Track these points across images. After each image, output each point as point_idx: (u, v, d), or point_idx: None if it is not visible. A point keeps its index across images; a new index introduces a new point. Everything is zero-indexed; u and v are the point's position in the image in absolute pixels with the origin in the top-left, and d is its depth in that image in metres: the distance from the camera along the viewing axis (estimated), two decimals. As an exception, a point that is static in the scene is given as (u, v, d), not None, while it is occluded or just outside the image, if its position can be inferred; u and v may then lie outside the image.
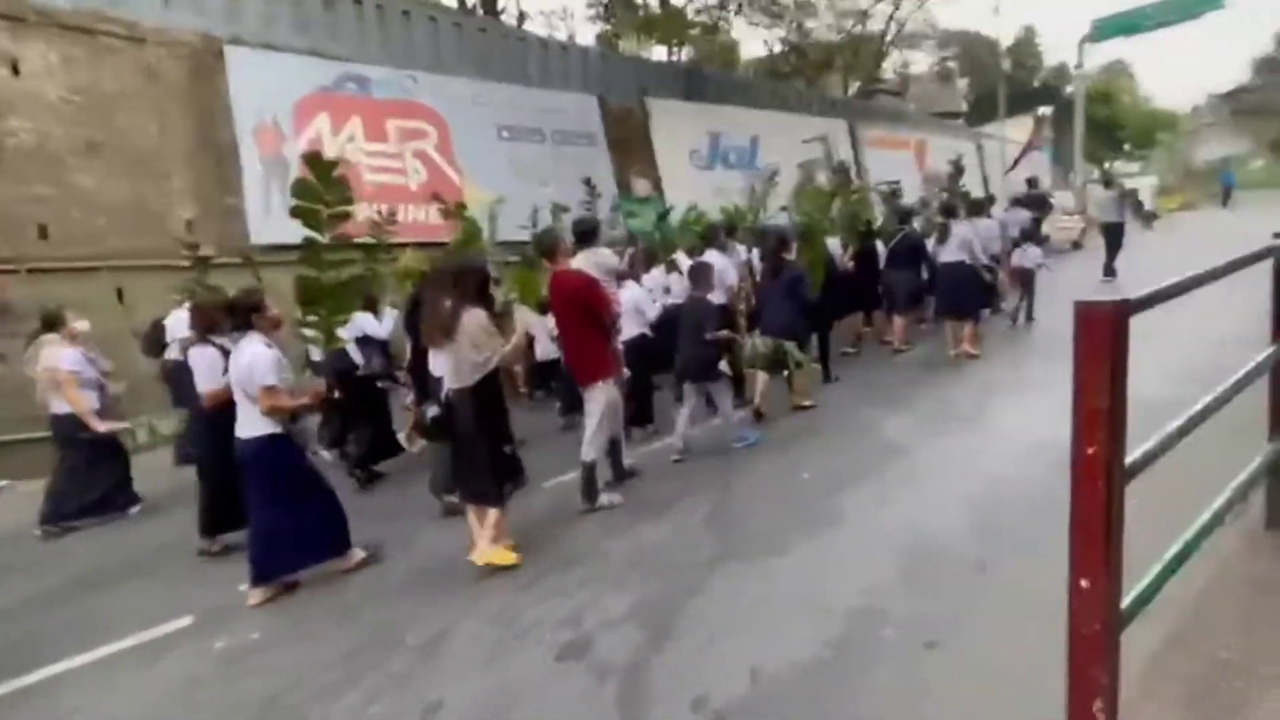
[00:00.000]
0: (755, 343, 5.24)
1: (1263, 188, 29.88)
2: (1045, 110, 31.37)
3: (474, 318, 3.31)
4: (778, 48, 23.10)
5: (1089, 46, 22.16)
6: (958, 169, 14.30)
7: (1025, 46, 31.90)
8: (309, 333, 4.20)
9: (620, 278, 5.08)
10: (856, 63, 23.61)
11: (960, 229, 6.81)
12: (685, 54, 21.90)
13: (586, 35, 20.68)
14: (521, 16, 22.43)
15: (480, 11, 17.25)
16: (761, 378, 5.55)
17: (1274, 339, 2.27)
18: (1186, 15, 21.55)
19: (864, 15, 22.32)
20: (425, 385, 3.94)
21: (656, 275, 6.72)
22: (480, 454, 3.39)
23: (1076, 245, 16.76)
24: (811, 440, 5.13)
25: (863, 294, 7.91)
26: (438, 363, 3.63)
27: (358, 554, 3.75)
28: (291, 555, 3.54)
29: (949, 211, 7.25)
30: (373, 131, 10.19)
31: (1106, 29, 22.72)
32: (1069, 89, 25.19)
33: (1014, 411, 5.21)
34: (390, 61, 10.53)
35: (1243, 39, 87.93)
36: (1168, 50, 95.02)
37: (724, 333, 4.91)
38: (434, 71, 10.85)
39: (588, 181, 10.05)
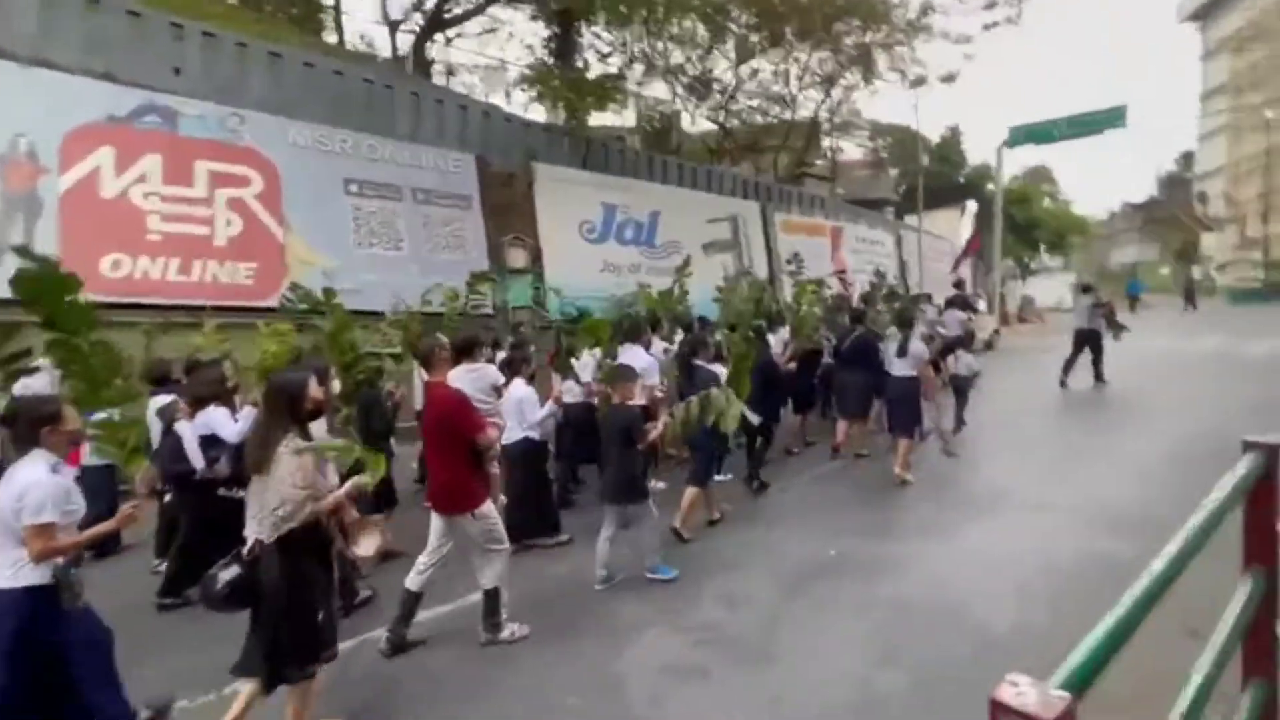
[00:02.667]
0: (685, 407, 4.28)
1: (1169, 291, 31.20)
2: (972, 203, 32.42)
3: (289, 450, 2.67)
4: (706, 125, 22.88)
5: (1010, 151, 22.89)
6: (879, 275, 13.87)
7: (951, 145, 33.21)
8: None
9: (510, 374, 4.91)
10: (786, 146, 23.58)
11: (916, 344, 6.48)
12: (626, 122, 21.43)
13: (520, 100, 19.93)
14: (450, 71, 21.64)
15: (410, 63, 16.21)
16: (688, 495, 5.03)
17: (1245, 567, 1.83)
18: (1092, 130, 22.54)
19: (789, 101, 22.38)
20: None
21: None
22: (283, 628, 2.69)
23: (989, 345, 16.35)
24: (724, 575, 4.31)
25: (804, 396, 7.70)
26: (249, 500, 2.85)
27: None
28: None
29: (906, 323, 6.78)
30: (175, 173, 8.59)
31: (1020, 136, 23.59)
32: (990, 187, 25.82)
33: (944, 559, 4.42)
34: (214, 96, 9.08)
35: (1156, 155, 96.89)
36: (1088, 159, 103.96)
37: (653, 433, 4.37)
38: (271, 112, 9.44)
39: (481, 277, 7.45)
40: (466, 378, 4.05)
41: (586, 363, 5.86)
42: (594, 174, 13.14)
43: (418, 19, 17.67)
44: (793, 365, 7.22)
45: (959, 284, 21.70)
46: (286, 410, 2.76)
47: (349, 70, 10.47)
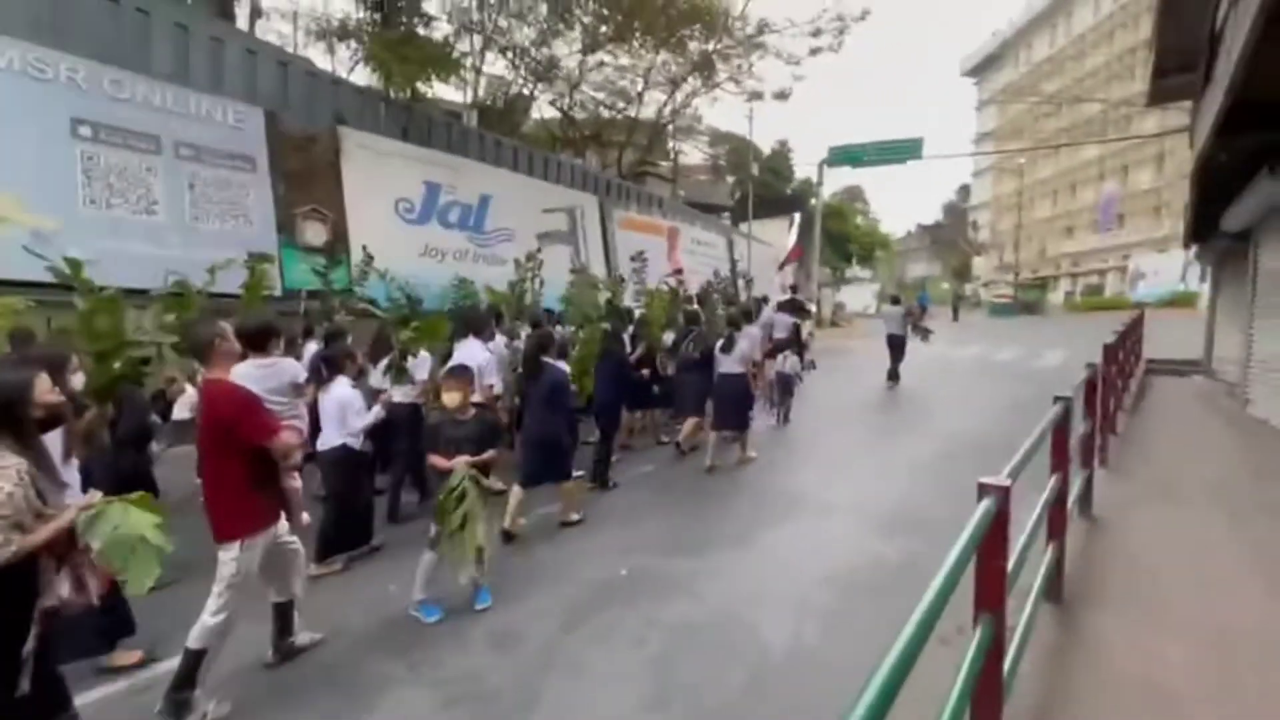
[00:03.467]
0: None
1: (947, 303, 36.51)
2: (798, 215, 35.21)
3: None
4: (548, 112, 22.20)
5: (834, 173, 25.17)
6: (717, 276, 14.35)
7: (781, 158, 35.91)
8: None
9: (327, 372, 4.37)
10: (630, 142, 23.66)
11: (744, 343, 6.76)
12: (469, 98, 19.88)
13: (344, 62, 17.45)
14: (255, 14, 18.52)
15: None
16: (514, 496, 4.82)
17: (975, 614, 1.85)
18: (896, 158, 25.47)
19: (636, 97, 22.48)
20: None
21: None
22: None
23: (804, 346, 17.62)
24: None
25: (645, 393, 7.67)
26: None
27: None
28: None
29: (735, 322, 7.11)
30: None
31: (839, 156, 26.01)
32: (813, 201, 28.14)
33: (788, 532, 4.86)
34: None
35: (943, 184, 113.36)
36: (894, 182, 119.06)
37: (489, 454, 3.77)
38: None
39: (261, 257, 6.38)
40: (256, 374, 3.52)
41: (424, 360, 5.40)
42: (417, 147, 11.90)
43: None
44: (645, 371, 7.44)
45: (794, 288, 23.33)
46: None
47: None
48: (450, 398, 3.73)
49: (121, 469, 3.76)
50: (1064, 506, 3.23)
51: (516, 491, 4.82)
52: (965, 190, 66.90)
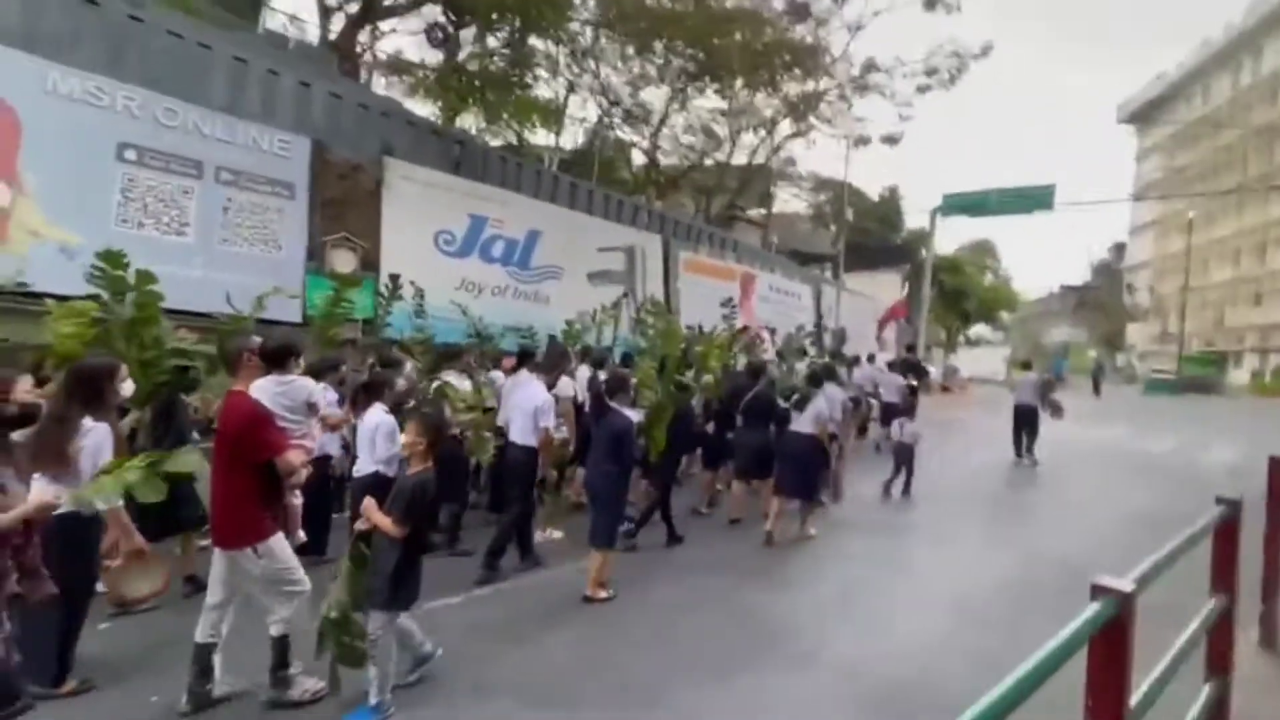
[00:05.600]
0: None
1: (1084, 374, 31.22)
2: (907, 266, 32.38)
3: None
4: (639, 158, 21.93)
5: (957, 224, 22.98)
6: (800, 330, 13.38)
7: (889, 205, 33.32)
8: None
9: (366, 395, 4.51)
10: (718, 186, 22.80)
11: (819, 403, 6.19)
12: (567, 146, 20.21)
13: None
14: (362, 62, 19.97)
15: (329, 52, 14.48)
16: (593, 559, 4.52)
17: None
18: (1022, 208, 22.59)
19: (730, 138, 21.66)
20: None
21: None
22: None
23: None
24: None
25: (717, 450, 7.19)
26: None
27: None
28: None
29: (815, 379, 6.57)
30: None
31: (953, 204, 23.47)
32: (923, 253, 25.58)
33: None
34: (-56, 18, 7.30)
35: (1092, 243, 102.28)
36: (1032, 238, 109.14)
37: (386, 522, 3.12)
38: (21, 47, 7.69)
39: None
40: (273, 390, 3.64)
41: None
42: (464, 180, 11.67)
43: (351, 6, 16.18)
44: (710, 426, 6.99)
45: (910, 347, 20.91)
46: None
47: (156, 21, 8.76)
48: (403, 437, 3.30)
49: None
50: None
51: (594, 555, 4.51)
52: (1120, 249, 59.31)
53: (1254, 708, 2.72)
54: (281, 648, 3.02)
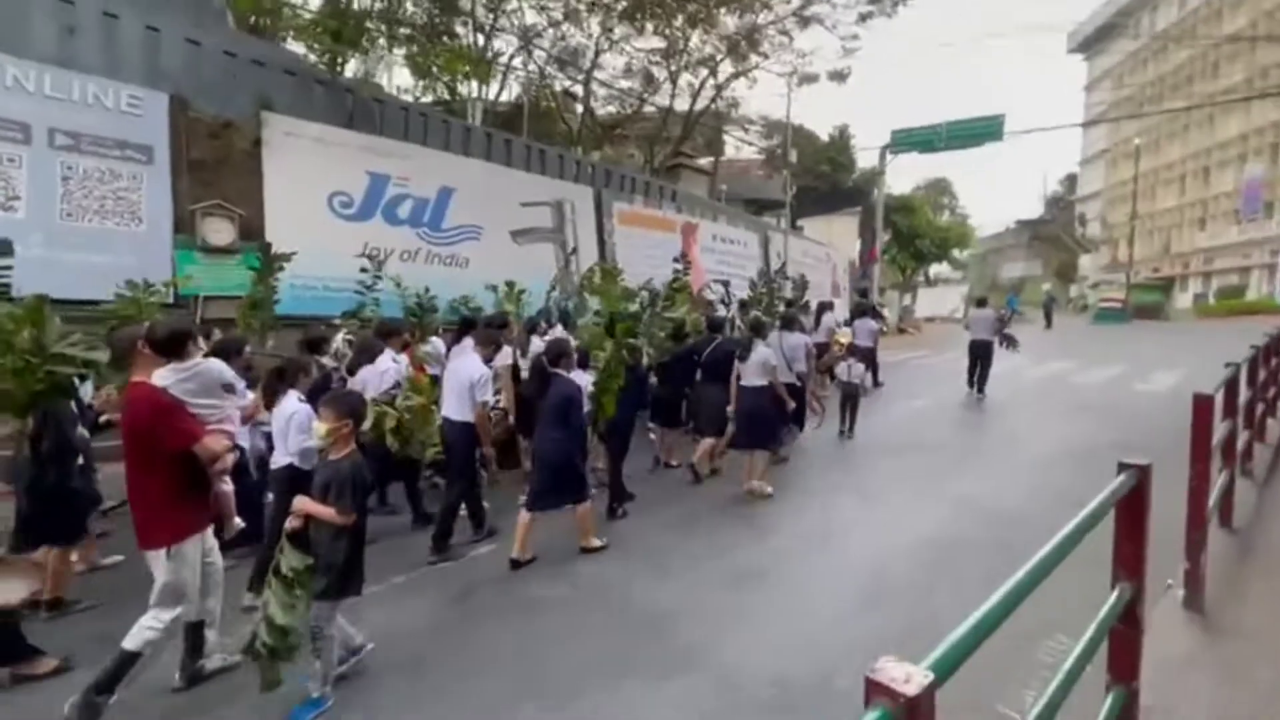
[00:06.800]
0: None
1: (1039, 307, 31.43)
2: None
3: None
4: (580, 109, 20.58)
5: (914, 163, 22.43)
6: (761, 278, 13.17)
7: (840, 146, 32.40)
8: None
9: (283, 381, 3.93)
10: (662, 135, 21.68)
11: (762, 350, 6.03)
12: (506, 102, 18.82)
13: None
14: None
15: None
16: (522, 521, 4.43)
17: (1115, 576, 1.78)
18: (972, 140, 22.03)
19: (669, 79, 20.46)
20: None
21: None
22: None
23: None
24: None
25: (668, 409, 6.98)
26: None
27: None
28: None
29: (757, 327, 6.55)
30: None
31: (903, 141, 22.82)
32: (875, 193, 24.99)
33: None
34: None
35: (1046, 175, 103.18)
36: (988, 175, 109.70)
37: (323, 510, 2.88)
38: None
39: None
40: (174, 378, 3.26)
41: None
42: (360, 134, 10.55)
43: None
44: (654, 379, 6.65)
45: (864, 292, 20.40)
46: None
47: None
48: (317, 427, 3.02)
49: (45, 485, 3.56)
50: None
51: (524, 516, 4.45)
52: (1072, 181, 59.72)
53: (1169, 701, 2.25)
54: (124, 664, 2.72)
